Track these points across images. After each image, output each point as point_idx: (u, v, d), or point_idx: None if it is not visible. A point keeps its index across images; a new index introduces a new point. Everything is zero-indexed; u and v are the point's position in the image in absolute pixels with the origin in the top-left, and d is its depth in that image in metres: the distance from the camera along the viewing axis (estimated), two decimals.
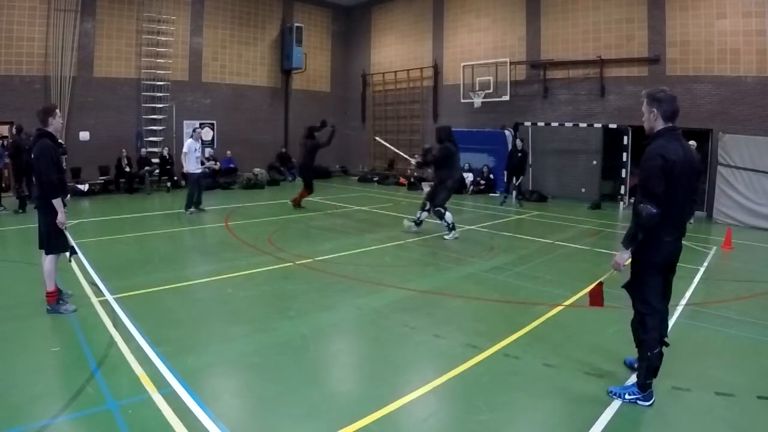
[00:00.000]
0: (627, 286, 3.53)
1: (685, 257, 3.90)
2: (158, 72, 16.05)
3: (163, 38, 16.14)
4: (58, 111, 4.96)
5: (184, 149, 11.17)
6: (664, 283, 3.46)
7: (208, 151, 17.15)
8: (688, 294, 5.83)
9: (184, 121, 17.02)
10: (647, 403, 3.38)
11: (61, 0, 13.94)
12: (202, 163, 11.68)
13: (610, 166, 13.69)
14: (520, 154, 13.71)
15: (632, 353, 3.72)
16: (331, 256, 7.48)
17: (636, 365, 3.60)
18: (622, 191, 13.28)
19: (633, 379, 3.60)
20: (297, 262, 7.02)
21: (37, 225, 4.96)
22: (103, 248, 7.83)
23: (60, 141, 5.08)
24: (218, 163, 16.94)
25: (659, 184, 3.18)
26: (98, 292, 5.50)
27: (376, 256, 7.69)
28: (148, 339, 4.23)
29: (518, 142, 13.81)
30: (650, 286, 3.41)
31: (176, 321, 4.80)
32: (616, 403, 3.37)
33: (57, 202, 4.77)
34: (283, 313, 5.13)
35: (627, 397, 3.42)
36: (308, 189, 11.99)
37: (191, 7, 17.03)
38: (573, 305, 5.47)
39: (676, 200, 3.26)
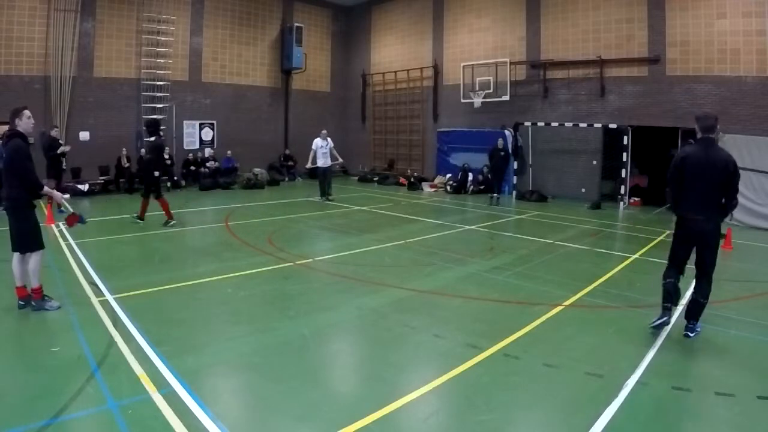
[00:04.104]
0: None
1: None
2: (158, 72, 16.05)
3: (163, 38, 16.14)
4: (26, 112, 4.97)
5: (313, 147, 13.14)
6: (686, 253, 4.63)
7: (207, 151, 17.21)
8: (688, 294, 5.81)
9: (184, 121, 17.05)
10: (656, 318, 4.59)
11: (61, 0, 13.93)
12: (333, 159, 13.37)
13: (610, 166, 13.68)
14: (502, 153, 13.85)
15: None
16: (331, 256, 7.48)
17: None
18: (622, 191, 13.27)
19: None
20: (297, 262, 7.02)
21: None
22: (103, 248, 7.83)
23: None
24: (217, 162, 16.97)
25: (670, 173, 4.54)
26: (98, 292, 5.50)
27: (376, 256, 7.69)
28: (148, 339, 4.23)
29: (500, 142, 13.96)
30: (672, 249, 4.73)
31: (176, 321, 4.80)
32: (616, 403, 3.37)
33: (45, 190, 5.08)
34: (283, 313, 5.13)
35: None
36: (147, 197, 9.66)
37: (191, 7, 17.03)
38: (573, 305, 5.47)
39: (693, 186, 4.38)
